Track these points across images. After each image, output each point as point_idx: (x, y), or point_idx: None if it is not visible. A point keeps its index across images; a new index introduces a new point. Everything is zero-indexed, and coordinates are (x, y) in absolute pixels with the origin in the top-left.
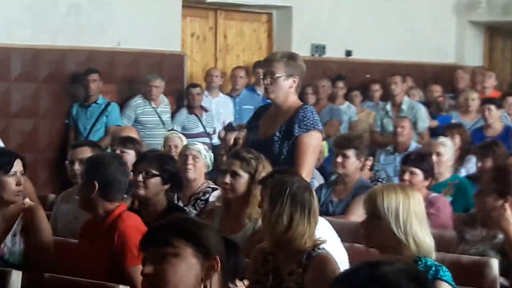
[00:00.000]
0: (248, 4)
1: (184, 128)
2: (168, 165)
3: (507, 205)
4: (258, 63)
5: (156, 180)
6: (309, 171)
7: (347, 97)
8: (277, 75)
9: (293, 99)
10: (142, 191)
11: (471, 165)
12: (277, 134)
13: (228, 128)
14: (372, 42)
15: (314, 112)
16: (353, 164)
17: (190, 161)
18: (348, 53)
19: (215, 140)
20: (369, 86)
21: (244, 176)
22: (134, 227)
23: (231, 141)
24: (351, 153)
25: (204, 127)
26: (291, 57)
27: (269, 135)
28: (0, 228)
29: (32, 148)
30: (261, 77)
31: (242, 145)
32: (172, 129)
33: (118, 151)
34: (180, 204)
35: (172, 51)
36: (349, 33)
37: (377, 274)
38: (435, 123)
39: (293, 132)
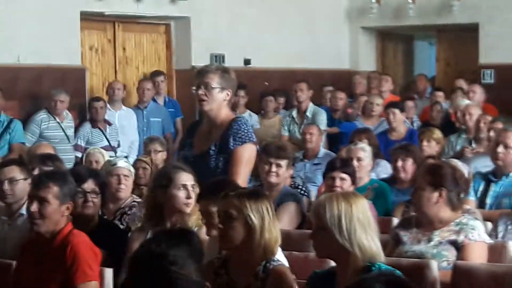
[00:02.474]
0: (146, 15)
1: (89, 142)
2: (100, 179)
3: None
4: (156, 72)
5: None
6: (243, 182)
7: (247, 106)
8: (212, 86)
9: (226, 112)
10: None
11: (381, 169)
12: (212, 148)
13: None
14: (271, 50)
15: (247, 124)
16: (284, 173)
17: (123, 180)
18: (247, 61)
19: (119, 153)
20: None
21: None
22: (87, 243)
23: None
24: (284, 163)
25: (108, 140)
26: (225, 70)
27: (204, 150)
28: None
29: None
30: (194, 88)
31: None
32: (77, 143)
33: (37, 170)
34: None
35: (73, 65)
36: (247, 41)
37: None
38: (335, 129)
39: (228, 145)
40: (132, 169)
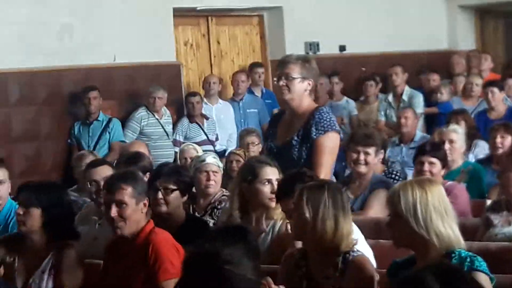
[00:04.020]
0: (238, 8)
1: (187, 137)
2: (183, 177)
3: None
4: (256, 64)
5: (175, 195)
6: (327, 172)
7: (344, 92)
8: (293, 77)
9: (307, 102)
10: (164, 208)
11: (479, 150)
12: (295, 138)
13: None
14: (365, 35)
15: (330, 113)
16: (373, 161)
17: (212, 177)
18: (342, 48)
19: (218, 147)
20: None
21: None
22: (168, 241)
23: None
24: (372, 150)
25: (206, 134)
26: (306, 60)
27: (287, 140)
28: (30, 260)
29: (37, 171)
30: (275, 79)
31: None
32: (175, 139)
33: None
34: (197, 214)
35: (168, 61)
36: (341, 28)
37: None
38: (434, 109)
39: (311, 135)
40: (221, 164)
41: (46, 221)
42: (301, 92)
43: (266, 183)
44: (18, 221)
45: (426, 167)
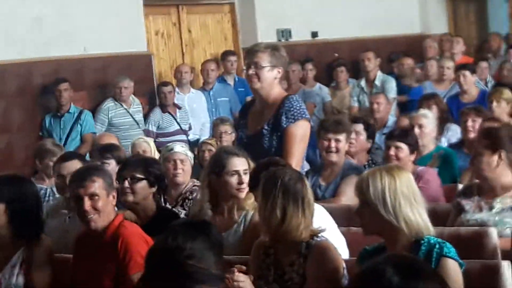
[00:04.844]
0: None
1: (160, 127)
2: (152, 167)
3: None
4: (228, 52)
5: (142, 184)
6: (298, 161)
7: (317, 78)
8: (262, 65)
9: (277, 91)
10: (130, 197)
11: (452, 133)
12: (266, 127)
13: None
14: (338, 21)
15: (299, 101)
16: (344, 147)
17: (179, 165)
18: (314, 34)
19: (192, 136)
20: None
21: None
22: (137, 234)
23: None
24: (342, 137)
25: (179, 124)
26: (275, 48)
27: (257, 129)
28: None
29: (8, 164)
30: (244, 68)
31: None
32: (148, 129)
33: (98, 163)
34: (168, 206)
35: (139, 51)
36: (313, 14)
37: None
38: (404, 98)
39: (281, 124)
40: (190, 154)
41: (11, 216)
42: (270, 80)
43: (234, 174)
44: None
45: (393, 151)
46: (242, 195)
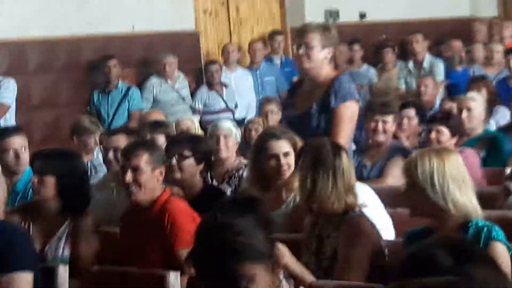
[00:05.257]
0: None
1: (206, 105)
2: (199, 144)
3: None
4: (275, 32)
5: (190, 162)
6: (346, 141)
7: (364, 60)
8: (313, 45)
9: (327, 71)
10: (177, 175)
11: (500, 116)
12: (314, 107)
13: None
14: (386, 2)
15: (349, 82)
16: (391, 129)
17: (222, 140)
18: (362, 15)
19: (237, 115)
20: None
21: (292, 153)
22: (184, 210)
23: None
24: (390, 118)
25: (225, 102)
26: (326, 28)
27: (306, 109)
28: (45, 228)
29: (55, 139)
30: (294, 47)
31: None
32: (194, 107)
33: (148, 137)
34: (215, 183)
35: (186, 30)
36: None
37: (412, 251)
38: (443, 82)
39: (330, 104)
40: (235, 130)
41: (61, 189)
42: (320, 61)
43: (272, 157)
44: (33, 190)
45: (434, 134)
46: (284, 176)
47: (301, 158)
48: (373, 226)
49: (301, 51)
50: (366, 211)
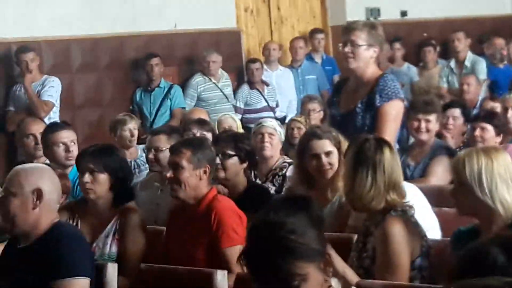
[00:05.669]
0: None
1: (247, 103)
2: (243, 143)
3: None
4: (316, 30)
5: (233, 161)
6: (391, 140)
7: (405, 58)
8: (359, 44)
9: (372, 69)
10: (221, 174)
11: None
12: (359, 106)
13: None
14: (426, 0)
15: (394, 81)
16: (434, 128)
17: (267, 138)
18: (403, 13)
19: (279, 113)
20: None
21: (335, 152)
22: (231, 208)
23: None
24: (433, 117)
25: (267, 101)
26: (373, 26)
27: (351, 108)
28: (93, 225)
29: (100, 138)
30: (340, 45)
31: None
32: (236, 106)
33: (197, 134)
34: (258, 181)
35: (228, 28)
36: None
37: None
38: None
39: (375, 103)
40: (279, 129)
41: (114, 185)
42: (366, 59)
43: (313, 157)
44: (86, 190)
45: (478, 132)
46: (327, 175)
47: (345, 154)
48: (416, 225)
49: (347, 49)
50: (412, 210)
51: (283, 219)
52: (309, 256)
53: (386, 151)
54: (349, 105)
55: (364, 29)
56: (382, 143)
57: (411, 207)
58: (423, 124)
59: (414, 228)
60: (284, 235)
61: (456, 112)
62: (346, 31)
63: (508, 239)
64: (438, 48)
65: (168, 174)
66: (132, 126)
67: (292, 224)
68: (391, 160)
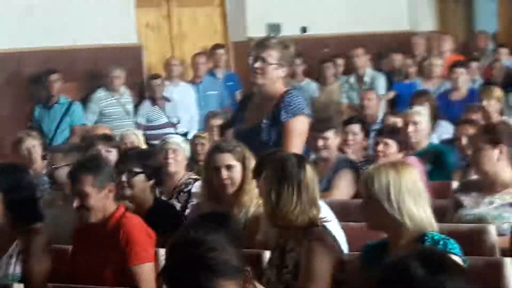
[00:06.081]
0: None
1: (149, 120)
2: (149, 160)
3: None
4: (217, 46)
5: (140, 178)
6: None
7: (306, 74)
8: (269, 62)
9: (279, 85)
10: (128, 191)
11: (442, 130)
12: (265, 121)
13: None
14: (328, 16)
15: (299, 97)
16: (333, 143)
17: (171, 155)
18: (304, 29)
19: (180, 130)
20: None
21: (238, 166)
22: (139, 225)
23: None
24: (330, 133)
25: (168, 117)
26: (286, 46)
27: (256, 123)
28: None
29: None
30: (250, 59)
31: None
32: (136, 122)
33: (102, 150)
34: (164, 198)
35: (129, 43)
36: (303, 9)
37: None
38: (391, 94)
39: (280, 118)
40: (183, 145)
41: (8, 205)
42: (275, 78)
43: (215, 170)
44: None
45: (381, 147)
46: (227, 190)
47: (264, 172)
48: (335, 239)
49: (257, 64)
50: (327, 225)
51: (203, 237)
52: (230, 274)
53: (308, 168)
54: (255, 120)
55: (277, 47)
56: (303, 160)
57: (327, 222)
58: (320, 142)
59: (334, 243)
60: (205, 253)
61: (356, 128)
62: (258, 47)
63: (425, 252)
64: (340, 64)
65: (75, 204)
66: (31, 144)
67: (212, 241)
68: (312, 177)
